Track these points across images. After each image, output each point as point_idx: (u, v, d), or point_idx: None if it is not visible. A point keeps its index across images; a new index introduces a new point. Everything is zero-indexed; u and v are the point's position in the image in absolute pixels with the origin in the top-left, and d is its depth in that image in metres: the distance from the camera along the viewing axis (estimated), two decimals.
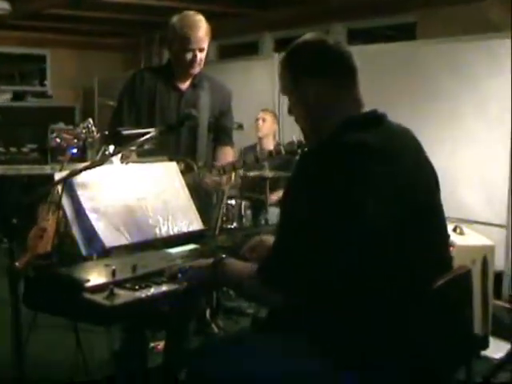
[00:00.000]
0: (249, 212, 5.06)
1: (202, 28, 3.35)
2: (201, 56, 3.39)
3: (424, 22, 6.27)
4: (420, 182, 1.93)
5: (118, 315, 1.98)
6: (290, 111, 2.10)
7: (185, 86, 3.52)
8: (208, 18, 3.40)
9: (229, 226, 4.83)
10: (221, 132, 3.65)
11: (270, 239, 2.28)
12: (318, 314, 1.83)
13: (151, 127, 2.86)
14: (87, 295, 1.96)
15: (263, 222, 4.98)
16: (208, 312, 4.40)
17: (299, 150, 3.32)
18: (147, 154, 2.86)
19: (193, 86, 3.52)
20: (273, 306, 2.07)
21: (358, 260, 1.77)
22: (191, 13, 3.42)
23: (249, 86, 6.75)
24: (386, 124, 1.99)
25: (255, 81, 6.75)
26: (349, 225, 1.77)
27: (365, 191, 1.77)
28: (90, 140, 3.59)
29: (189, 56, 3.36)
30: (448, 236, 2.06)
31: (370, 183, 1.79)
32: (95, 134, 3.55)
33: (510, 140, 4.76)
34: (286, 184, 1.98)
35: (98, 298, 1.95)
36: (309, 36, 2.05)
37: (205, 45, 3.39)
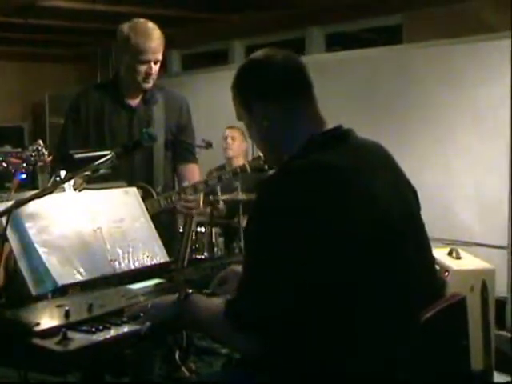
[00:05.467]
0: (221, 240, 5.06)
1: (157, 37, 3.37)
2: (155, 68, 3.41)
3: (410, 24, 6.35)
4: (396, 202, 1.95)
5: (72, 362, 1.97)
6: (250, 136, 2.16)
7: (135, 102, 3.54)
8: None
9: (199, 257, 4.83)
10: (182, 149, 3.66)
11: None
12: (292, 355, 1.85)
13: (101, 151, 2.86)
14: (37, 341, 1.95)
15: (237, 250, 4.99)
16: (177, 353, 4.38)
17: (266, 166, 3.34)
18: (98, 180, 2.85)
19: (144, 101, 3.53)
20: (242, 350, 2.08)
21: (329, 294, 1.79)
22: (142, 20, 3.44)
23: (218, 99, 6.73)
24: (353, 141, 2.01)
25: (225, 94, 6.73)
26: (313, 257, 1.78)
27: (329, 217, 1.79)
28: (40, 164, 3.57)
29: (143, 69, 3.38)
30: (434, 259, 2.08)
31: (334, 209, 1.80)
32: (46, 157, 3.54)
33: (509, 153, 4.83)
34: (248, 212, 2.00)
35: (50, 343, 1.94)
36: (255, 55, 2.09)
37: (160, 56, 3.41)
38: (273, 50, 2.09)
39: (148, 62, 3.36)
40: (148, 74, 3.39)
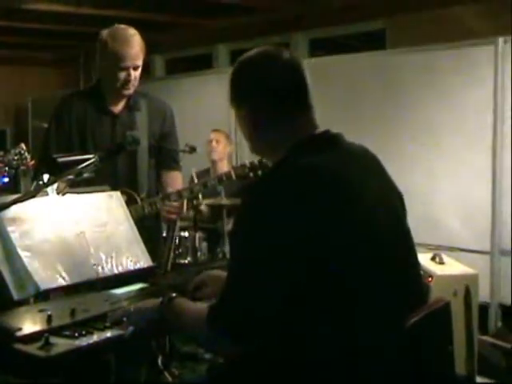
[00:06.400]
0: (204, 244, 5.04)
1: (136, 43, 3.35)
2: (135, 75, 3.39)
3: (394, 29, 6.39)
4: (383, 205, 1.95)
5: (55, 367, 1.95)
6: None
7: (118, 108, 3.52)
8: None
9: (182, 261, 4.81)
10: (165, 156, 3.65)
11: (221, 274, 2.30)
12: (276, 357, 1.84)
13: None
14: (18, 346, 1.94)
15: (221, 255, 4.97)
16: (160, 359, 4.36)
17: (251, 174, 3.34)
18: (82, 184, 2.84)
19: (128, 107, 3.52)
20: (224, 354, 2.07)
21: (318, 296, 1.79)
22: (123, 26, 3.42)
23: (202, 103, 6.77)
24: (341, 145, 2.00)
25: (209, 98, 6.77)
26: (302, 258, 1.78)
27: (317, 219, 1.79)
28: (22, 168, 3.55)
29: (122, 75, 3.36)
30: (419, 263, 2.09)
31: (323, 211, 1.80)
32: (29, 161, 3.52)
33: (491, 158, 4.86)
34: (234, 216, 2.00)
35: (31, 348, 1.92)
36: (256, 53, 2.06)
37: (140, 62, 3.39)
38: (275, 50, 2.07)
39: (127, 68, 3.34)
40: (127, 81, 3.37)
